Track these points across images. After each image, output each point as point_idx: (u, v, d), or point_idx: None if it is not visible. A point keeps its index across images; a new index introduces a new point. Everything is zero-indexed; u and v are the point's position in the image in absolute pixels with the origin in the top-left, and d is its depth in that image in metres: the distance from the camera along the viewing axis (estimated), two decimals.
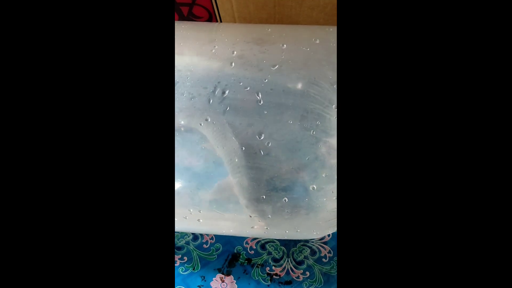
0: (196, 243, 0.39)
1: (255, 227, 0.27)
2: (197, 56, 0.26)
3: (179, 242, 0.39)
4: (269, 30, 0.27)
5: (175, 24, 0.28)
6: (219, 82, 0.24)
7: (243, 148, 0.23)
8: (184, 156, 0.24)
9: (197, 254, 0.38)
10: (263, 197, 0.24)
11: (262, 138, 0.23)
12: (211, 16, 0.34)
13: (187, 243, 0.39)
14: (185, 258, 0.38)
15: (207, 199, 0.25)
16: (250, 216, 0.25)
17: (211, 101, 0.24)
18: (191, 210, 0.26)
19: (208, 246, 0.39)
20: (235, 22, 0.34)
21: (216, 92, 0.24)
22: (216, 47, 0.26)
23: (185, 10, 0.33)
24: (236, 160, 0.23)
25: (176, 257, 0.38)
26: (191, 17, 0.34)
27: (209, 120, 0.24)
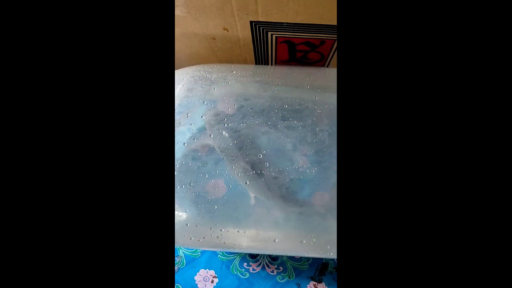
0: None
1: None
2: None
3: (273, 254, 0.44)
4: None
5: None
6: None
7: None
8: None
9: (291, 264, 0.43)
10: None
11: None
12: (323, 59, 0.36)
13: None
14: (281, 268, 0.43)
15: None
16: None
17: None
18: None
19: (299, 257, 0.44)
20: None
21: None
22: None
23: (299, 54, 0.35)
24: None
25: (273, 267, 0.43)
26: (303, 59, 0.36)
27: None
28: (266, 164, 0.28)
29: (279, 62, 0.37)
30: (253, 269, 0.42)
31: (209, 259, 0.43)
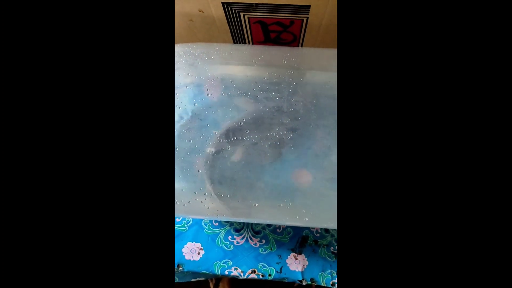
0: (271, 228, 0.46)
1: None
2: None
3: (256, 228, 0.46)
4: None
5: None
6: None
7: None
8: None
9: (273, 237, 0.46)
10: None
11: None
12: (296, 40, 0.39)
13: (263, 228, 0.46)
14: (263, 240, 0.45)
15: None
16: None
17: None
18: None
19: (281, 230, 0.46)
20: (317, 46, 0.39)
21: None
22: None
23: (273, 34, 0.38)
24: None
25: (256, 240, 0.45)
26: (278, 40, 0.39)
27: None
28: (247, 131, 0.30)
29: (256, 43, 0.40)
30: (237, 242, 0.45)
31: (196, 233, 0.45)
